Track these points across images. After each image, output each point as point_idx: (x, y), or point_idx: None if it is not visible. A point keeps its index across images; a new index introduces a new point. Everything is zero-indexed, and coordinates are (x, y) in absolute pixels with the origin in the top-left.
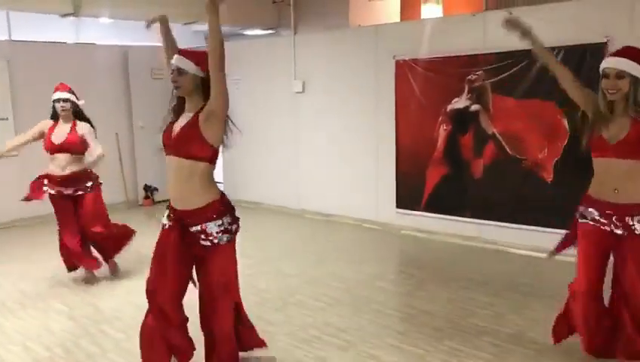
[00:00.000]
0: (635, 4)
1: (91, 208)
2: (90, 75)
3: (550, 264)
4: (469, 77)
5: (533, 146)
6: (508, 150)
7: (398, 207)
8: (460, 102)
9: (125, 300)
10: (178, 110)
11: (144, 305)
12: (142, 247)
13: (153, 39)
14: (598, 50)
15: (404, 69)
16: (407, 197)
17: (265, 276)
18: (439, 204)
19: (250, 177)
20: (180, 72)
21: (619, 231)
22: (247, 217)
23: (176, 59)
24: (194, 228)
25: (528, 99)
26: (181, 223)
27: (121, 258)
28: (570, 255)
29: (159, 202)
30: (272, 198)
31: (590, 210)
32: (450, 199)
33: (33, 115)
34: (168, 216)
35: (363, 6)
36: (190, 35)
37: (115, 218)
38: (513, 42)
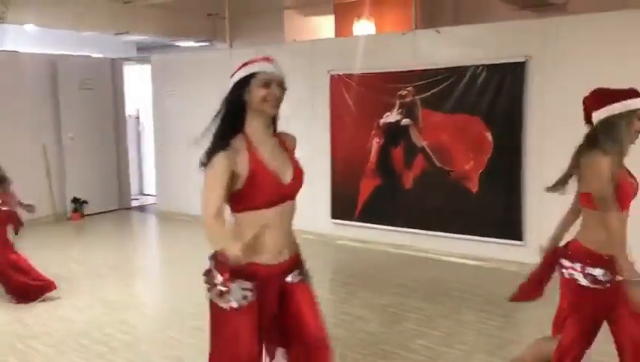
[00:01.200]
0: (549, 27)
1: None
2: (15, 84)
3: (477, 270)
4: (400, 92)
5: (460, 159)
6: (436, 162)
7: (333, 217)
8: (391, 117)
9: (54, 315)
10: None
11: (73, 319)
12: (70, 261)
13: (82, 49)
14: (517, 68)
15: (338, 84)
16: (342, 207)
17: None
18: (372, 214)
19: (185, 189)
20: (283, 87)
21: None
22: (181, 230)
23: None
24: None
25: (455, 113)
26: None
27: (50, 273)
28: (493, 261)
29: (88, 215)
30: None
31: (600, 270)
32: (382, 209)
33: None
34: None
35: (298, 22)
36: (122, 46)
37: (42, 232)
38: (441, 59)
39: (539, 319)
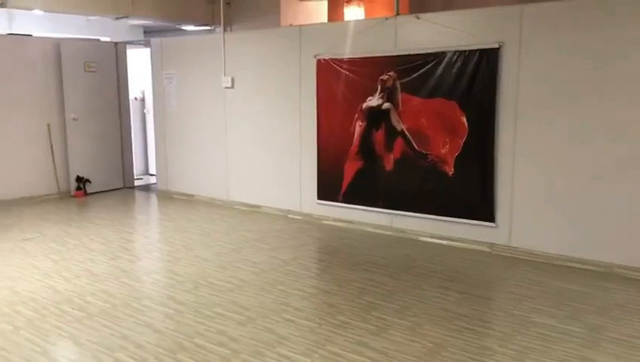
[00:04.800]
0: (523, 13)
1: None
2: (22, 66)
3: (449, 250)
4: (382, 77)
5: (437, 142)
6: (415, 146)
7: (319, 198)
8: (373, 101)
9: (42, 284)
10: None
11: (59, 288)
12: (66, 236)
13: (90, 33)
14: (492, 54)
15: (324, 68)
16: (327, 189)
17: (182, 261)
18: (355, 196)
19: (183, 169)
20: None
21: None
22: (178, 208)
23: None
24: None
25: (433, 98)
26: None
27: (46, 246)
28: (466, 241)
29: (91, 193)
30: (203, 190)
31: None
32: (364, 191)
33: None
34: None
35: (294, 6)
36: (127, 30)
37: (46, 209)
38: (420, 45)
39: (496, 296)
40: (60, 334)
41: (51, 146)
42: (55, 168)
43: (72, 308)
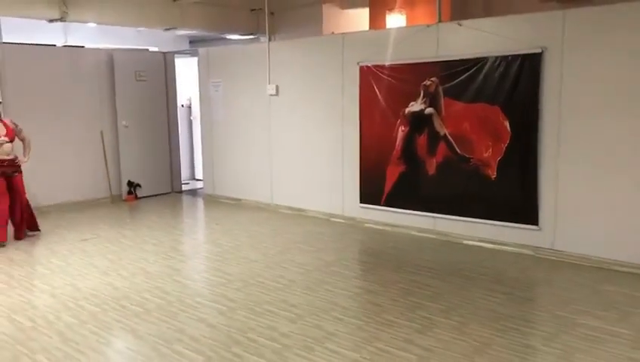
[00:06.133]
0: (566, 18)
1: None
2: (77, 76)
3: (493, 253)
4: (424, 82)
5: (480, 146)
6: (457, 150)
7: (361, 202)
8: (416, 106)
9: (102, 281)
10: None
11: (117, 285)
12: (121, 237)
13: (139, 43)
14: (535, 59)
15: (367, 75)
16: (370, 193)
17: (231, 262)
18: (398, 199)
19: (229, 174)
20: None
21: None
22: (225, 212)
23: None
24: None
25: (475, 103)
26: None
27: (103, 247)
28: (510, 244)
29: (141, 197)
30: (249, 194)
31: None
32: (407, 194)
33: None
34: None
35: (336, 15)
36: (174, 39)
37: (100, 212)
38: (462, 51)
39: (541, 297)
40: (122, 327)
41: (104, 152)
42: (108, 173)
43: (131, 304)
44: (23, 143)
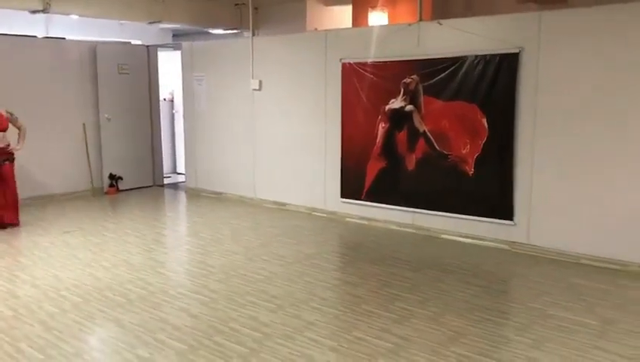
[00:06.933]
0: (542, 20)
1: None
2: (59, 68)
3: (469, 247)
4: (405, 80)
5: (458, 143)
6: (436, 146)
7: (342, 196)
8: (396, 103)
9: (84, 273)
10: None
11: (99, 276)
12: (104, 230)
13: (122, 36)
14: (512, 58)
15: (349, 71)
16: (351, 188)
17: (213, 254)
18: (378, 194)
19: (211, 168)
20: None
21: None
22: (207, 205)
23: None
24: None
25: (454, 101)
26: None
27: (86, 239)
28: (487, 239)
29: (123, 190)
30: (232, 188)
31: None
32: (387, 190)
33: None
34: None
35: (319, 12)
36: (157, 33)
37: (82, 205)
38: (442, 50)
39: (515, 290)
40: (104, 317)
41: (86, 145)
42: (90, 166)
43: (114, 295)
44: (19, 131)
